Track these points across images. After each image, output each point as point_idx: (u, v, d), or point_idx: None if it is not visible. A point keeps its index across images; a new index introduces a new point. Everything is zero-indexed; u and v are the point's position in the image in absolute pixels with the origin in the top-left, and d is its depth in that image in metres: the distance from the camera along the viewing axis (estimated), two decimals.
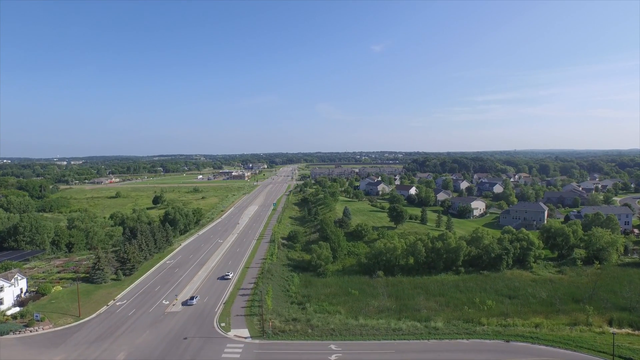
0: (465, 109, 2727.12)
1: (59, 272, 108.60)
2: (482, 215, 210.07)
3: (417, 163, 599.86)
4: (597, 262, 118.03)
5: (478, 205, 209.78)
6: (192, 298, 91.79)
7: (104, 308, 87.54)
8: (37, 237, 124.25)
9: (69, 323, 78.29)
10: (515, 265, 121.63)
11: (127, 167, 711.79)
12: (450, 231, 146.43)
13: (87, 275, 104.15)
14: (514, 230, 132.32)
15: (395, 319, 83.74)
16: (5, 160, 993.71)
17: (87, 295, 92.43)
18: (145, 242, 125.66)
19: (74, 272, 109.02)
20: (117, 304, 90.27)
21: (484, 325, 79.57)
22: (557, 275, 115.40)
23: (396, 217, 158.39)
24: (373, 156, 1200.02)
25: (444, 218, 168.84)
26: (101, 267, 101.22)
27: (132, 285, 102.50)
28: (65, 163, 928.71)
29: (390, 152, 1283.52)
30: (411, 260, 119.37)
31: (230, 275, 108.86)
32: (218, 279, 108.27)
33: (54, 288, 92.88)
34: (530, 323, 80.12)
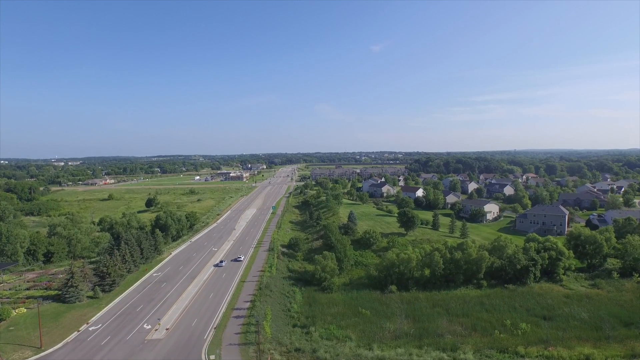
0: (464, 109, 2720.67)
1: (28, 289, 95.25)
2: (495, 219, 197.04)
3: (420, 163, 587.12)
4: (637, 275, 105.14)
5: (491, 209, 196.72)
6: (221, 262, 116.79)
7: (74, 335, 74.31)
8: (8, 247, 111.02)
9: (26, 357, 65.07)
10: (542, 278, 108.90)
11: (123, 168, 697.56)
12: (466, 238, 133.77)
13: (60, 292, 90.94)
14: (540, 237, 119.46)
15: (415, 347, 71.20)
16: (2, 162, 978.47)
17: (55, 319, 79.28)
18: (130, 252, 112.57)
19: (45, 288, 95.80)
20: (90, 329, 77.07)
21: (522, 358, 66.79)
22: (592, 289, 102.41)
23: (407, 222, 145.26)
24: (373, 156, 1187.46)
25: (458, 223, 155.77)
26: (75, 284, 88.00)
27: (110, 305, 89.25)
28: (62, 164, 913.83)
29: (390, 152, 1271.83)
30: (427, 273, 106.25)
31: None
32: (210, 295, 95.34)
33: (16, 310, 79.64)
34: (579, 354, 67.23)
